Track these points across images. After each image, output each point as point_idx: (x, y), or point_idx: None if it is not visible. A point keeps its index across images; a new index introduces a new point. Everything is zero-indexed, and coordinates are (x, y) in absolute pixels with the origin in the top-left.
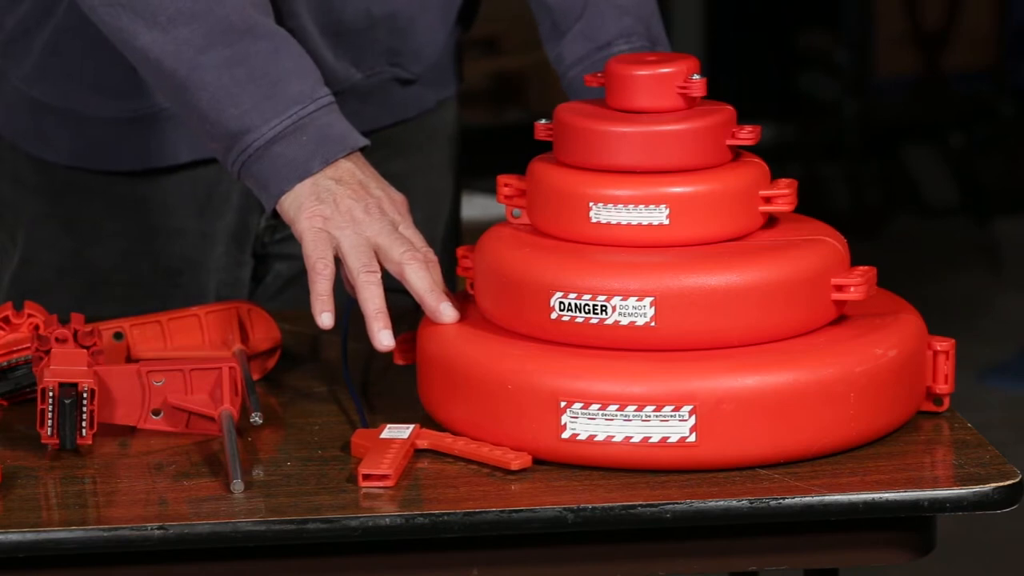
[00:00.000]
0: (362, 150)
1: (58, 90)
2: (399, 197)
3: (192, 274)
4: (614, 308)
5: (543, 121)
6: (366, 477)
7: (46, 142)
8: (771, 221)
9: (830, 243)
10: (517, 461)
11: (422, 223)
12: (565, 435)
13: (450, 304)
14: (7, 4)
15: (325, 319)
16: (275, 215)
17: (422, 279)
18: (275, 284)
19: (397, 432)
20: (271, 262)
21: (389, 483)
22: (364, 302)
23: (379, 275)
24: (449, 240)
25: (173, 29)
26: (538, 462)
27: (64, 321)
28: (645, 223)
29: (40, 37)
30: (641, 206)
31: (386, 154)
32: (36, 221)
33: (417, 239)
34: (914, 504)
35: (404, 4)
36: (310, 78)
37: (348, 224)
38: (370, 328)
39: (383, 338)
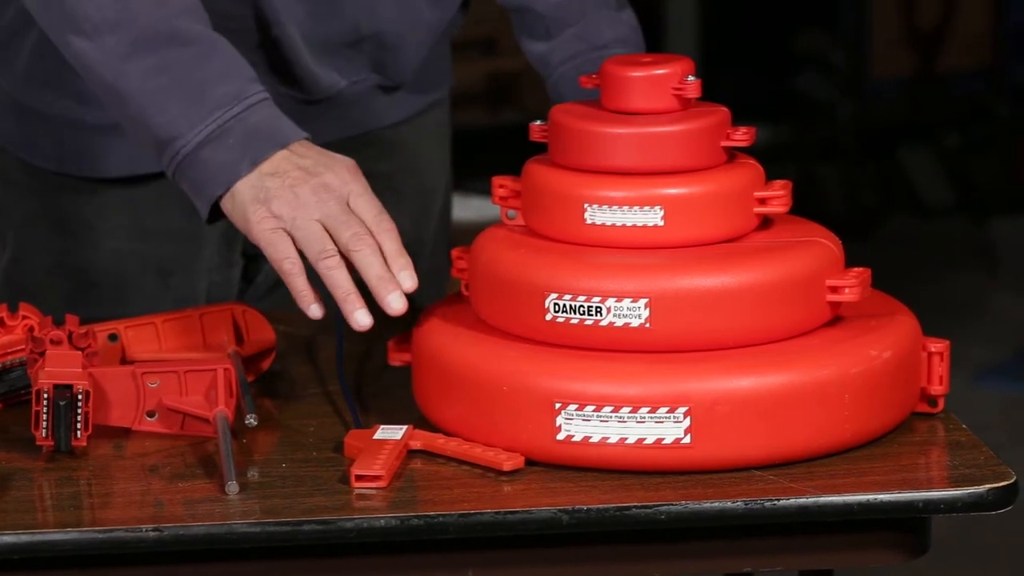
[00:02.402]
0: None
1: (44, 96)
2: (342, 163)
3: (183, 275)
4: (609, 309)
5: (538, 122)
6: (358, 478)
7: (33, 147)
8: (766, 222)
9: (825, 244)
10: (509, 462)
11: (411, 223)
12: (560, 436)
13: (398, 295)
14: None
15: (314, 311)
16: (211, 219)
17: (369, 266)
18: (265, 283)
19: (390, 433)
20: (261, 261)
21: (381, 484)
22: (332, 288)
23: (338, 257)
24: (440, 240)
25: (98, 37)
26: (533, 463)
27: (59, 322)
28: (640, 224)
29: (27, 42)
30: (636, 207)
31: (374, 154)
32: (26, 222)
33: (369, 208)
34: (909, 505)
35: (394, 22)
36: (238, 78)
37: (296, 212)
38: (344, 311)
39: (360, 317)
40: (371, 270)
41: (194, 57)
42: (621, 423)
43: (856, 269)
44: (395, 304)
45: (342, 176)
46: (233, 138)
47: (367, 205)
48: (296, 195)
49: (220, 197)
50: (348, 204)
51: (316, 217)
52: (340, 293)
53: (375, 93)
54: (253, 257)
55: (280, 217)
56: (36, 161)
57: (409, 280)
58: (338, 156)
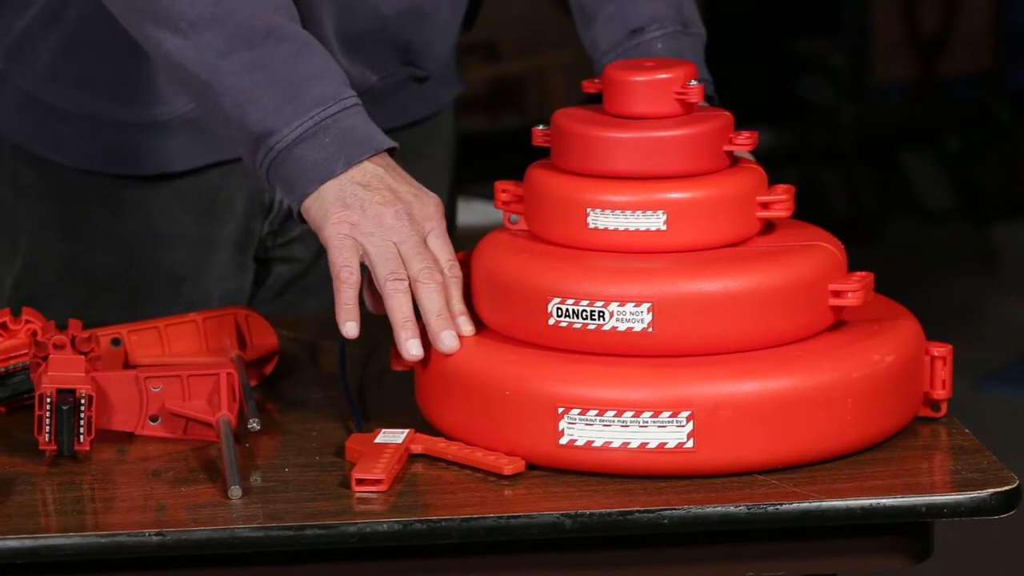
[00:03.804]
0: (391, 152)
1: (71, 95)
2: (431, 199)
3: (195, 281)
4: (612, 314)
5: (540, 127)
6: (359, 482)
7: (58, 145)
8: (768, 227)
9: (827, 249)
10: (510, 466)
11: None
12: (563, 441)
13: (454, 335)
14: (18, 6)
15: (350, 328)
16: (301, 219)
17: (433, 302)
18: (275, 286)
19: (391, 437)
20: (272, 265)
21: (382, 487)
22: (391, 311)
23: (407, 283)
24: None
25: (194, 35)
26: (535, 467)
27: (62, 327)
28: (643, 229)
29: (50, 40)
30: (639, 212)
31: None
32: (38, 226)
33: (444, 252)
34: (911, 510)
35: (415, 1)
36: (334, 80)
37: (376, 230)
38: (397, 337)
39: (411, 347)
40: (433, 306)
41: (290, 54)
42: (624, 427)
43: (859, 273)
44: (448, 341)
45: (427, 211)
46: (329, 137)
47: (443, 248)
48: (380, 212)
49: (308, 195)
50: (425, 241)
51: (394, 240)
52: (399, 317)
53: (406, 85)
54: (265, 261)
55: (357, 226)
56: (60, 158)
57: (467, 325)
58: (427, 191)
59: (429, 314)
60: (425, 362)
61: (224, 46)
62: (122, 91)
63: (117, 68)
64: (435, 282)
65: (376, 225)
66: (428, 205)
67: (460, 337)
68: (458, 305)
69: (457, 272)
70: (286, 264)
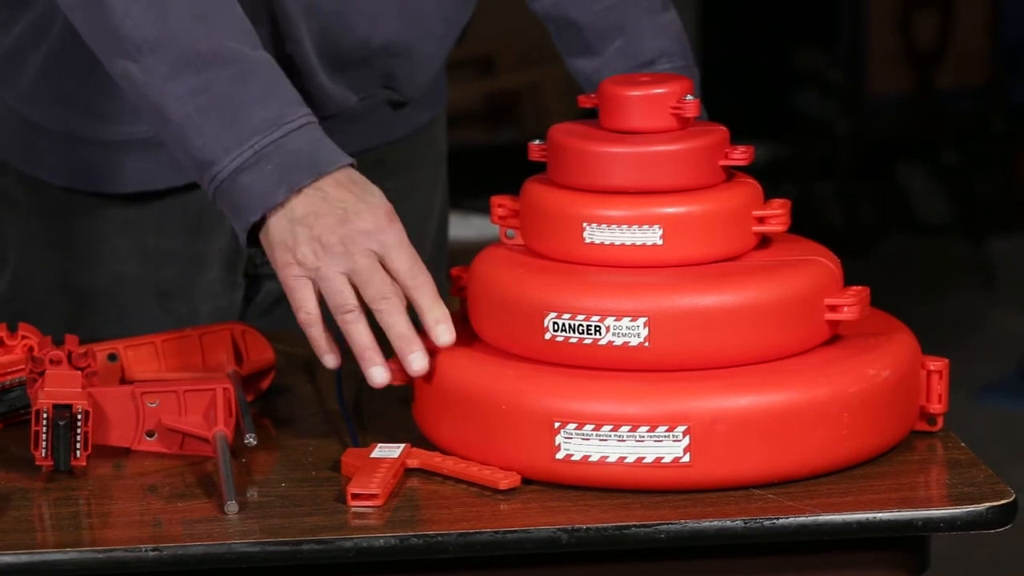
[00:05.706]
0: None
1: (53, 112)
2: (380, 210)
3: (183, 298)
4: (608, 328)
5: (537, 142)
6: (355, 496)
7: (40, 163)
8: (764, 241)
9: (823, 263)
10: (506, 480)
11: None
12: (559, 456)
13: (420, 354)
14: (3, 23)
15: (329, 361)
16: (250, 244)
17: (392, 325)
18: (265, 302)
19: (387, 451)
20: (262, 281)
21: (378, 502)
22: (351, 342)
23: (357, 311)
24: (436, 257)
25: (141, 57)
26: (531, 482)
27: (58, 342)
28: (639, 243)
29: (34, 58)
30: (635, 226)
31: (376, 175)
32: (27, 242)
33: (403, 261)
34: (908, 524)
35: (402, 35)
36: (278, 103)
37: (321, 263)
38: (361, 366)
39: (375, 375)
40: (393, 329)
41: (233, 78)
42: (620, 442)
43: (855, 288)
44: (415, 364)
45: (377, 223)
46: (271, 164)
47: (400, 257)
48: (323, 245)
49: (256, 224)
50: (380, 254)
51: (341, 270)
52: (357, 348)
53: (383, 108)
54: (255, 277)
55: (304, 264)
56: (42, 175)
57: (446, 334)
58: (376, 199)
59: (392, 338)
60: (421, 376)
61: (168, 69)
62: (99, 108)
63: (95, 85)
64: (389, 304)
65: (319, 258)
66: (378, 219)
67: (457, 353)
68: (434, 311)
69: (421, 277)
70: (276, 280)
